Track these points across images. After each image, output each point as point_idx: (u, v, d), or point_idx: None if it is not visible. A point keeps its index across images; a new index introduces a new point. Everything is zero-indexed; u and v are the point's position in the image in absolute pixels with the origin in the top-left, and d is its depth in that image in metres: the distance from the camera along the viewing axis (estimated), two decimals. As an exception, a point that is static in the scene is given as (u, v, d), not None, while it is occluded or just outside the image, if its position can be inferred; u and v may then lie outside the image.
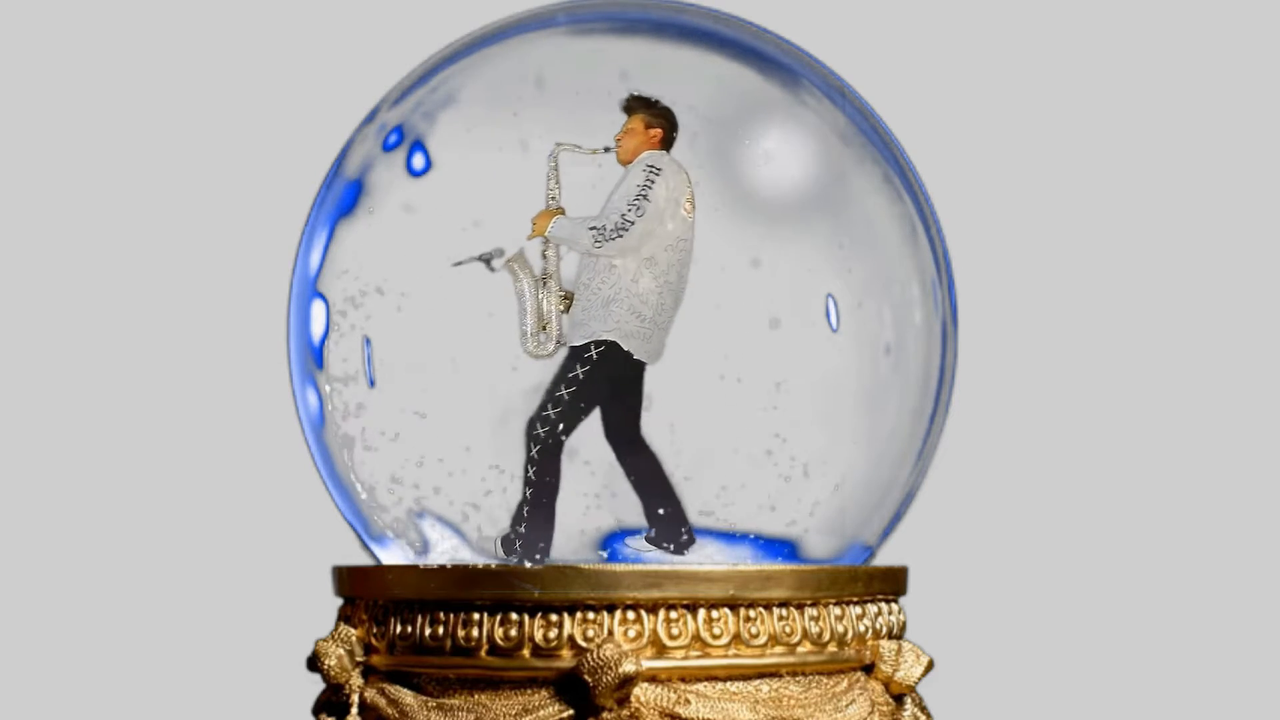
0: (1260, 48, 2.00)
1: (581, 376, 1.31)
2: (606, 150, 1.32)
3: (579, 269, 1.32)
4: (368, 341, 1.35)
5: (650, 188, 1.30)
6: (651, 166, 1.31)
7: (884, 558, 1.43)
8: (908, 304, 1.37)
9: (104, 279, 2.02)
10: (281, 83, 1.99)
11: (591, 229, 1.31)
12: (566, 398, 1.31)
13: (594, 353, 1.31)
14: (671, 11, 1.41)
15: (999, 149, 2.00)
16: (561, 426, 1.31)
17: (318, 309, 1.38)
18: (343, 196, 1.39)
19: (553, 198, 1.32)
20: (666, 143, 1.32)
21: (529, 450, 1.31)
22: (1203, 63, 2.02)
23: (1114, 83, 2.03)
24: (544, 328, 1.32)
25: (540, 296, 1.32)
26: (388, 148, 1.38)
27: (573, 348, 1.32)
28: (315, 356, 1.39)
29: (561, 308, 1.32)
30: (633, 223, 1.30)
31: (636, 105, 1.32)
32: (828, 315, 1.32)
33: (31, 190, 2.03)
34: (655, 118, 1.32)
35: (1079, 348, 2.01)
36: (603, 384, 1.31)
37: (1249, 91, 2.02)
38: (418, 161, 1.35)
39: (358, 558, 1.43)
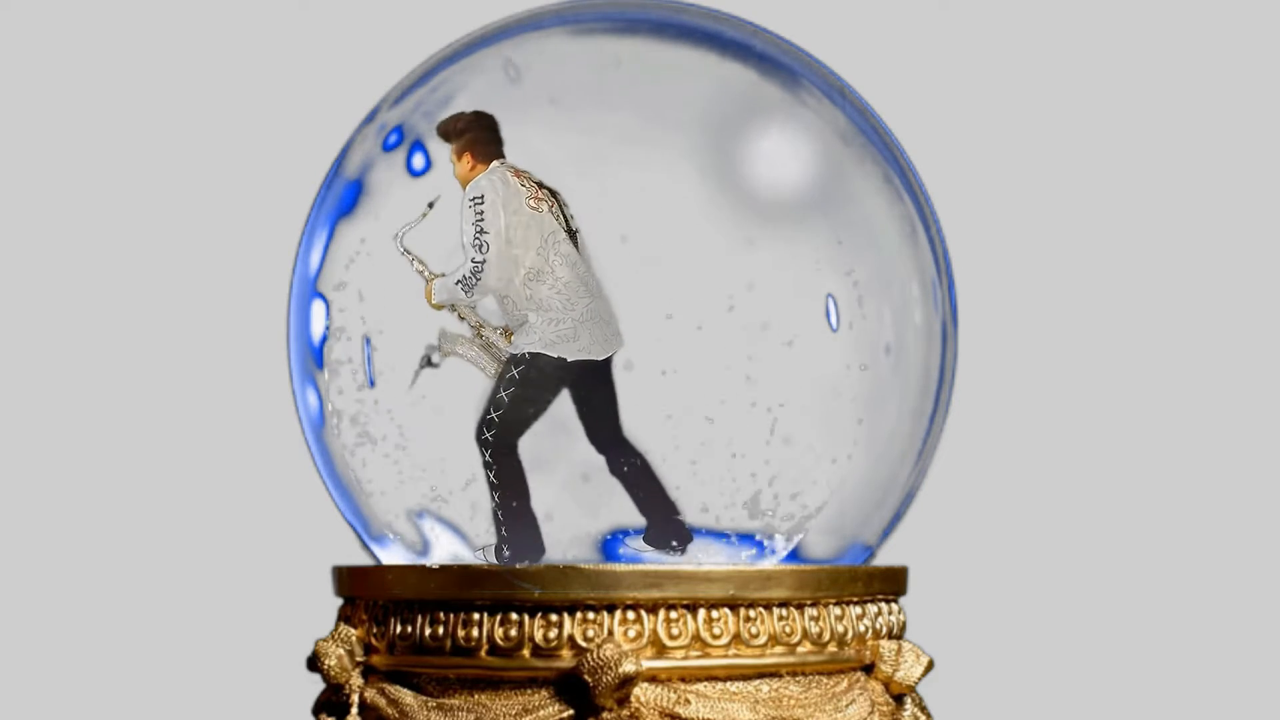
0: (1260, 48, 2.00)
1: (517, 376, 1.31)
2: (431, 206, 1.32)
3: (502, 312, 1.32)
4: (368, 341, 1.35)
5: (482, 220, 1.29)
6: (474, 199, 1.30)
7: (884, 558, 1.43)
8: (908, 304, 1.37)
9: (105, 279, 2.02)
10: (281, 83, 1.99)
11: (458, 283, 1.30)
12: (506, 399, 1.31)
13: (526, 352, 1.32)
14: (671, 11, 1.41)
15: (999, 149, 2.00)
16: (507, 428, 1.31)
17: (318, 309, 1.38)
18: (343, 196, 1.39)
19: (420, 271, 1.32)
20: (486, 152, 1.31)
21: (483, 455, 1.31)
22: (1203, 63, 2.02)
23: (1114, 83, 2.03)
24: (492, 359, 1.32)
25: (489, 348, 1.32)
26: (388, 148, 1.38)
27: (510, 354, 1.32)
28: (315, 356, 1.39)
29: (507, 342, 1.32)
30: (482, 262, 1.29)
31: (443, 135, 1.32)
32: (828, 315, 1.32)
33: (33, 191, 2.03)
34: (458, 138, 1.31)
35: (1079, 348, 2.01)
36: (540, 385, 1.31)
37: (1249, 91, 2.02)
38: (418, 161, 1.35)
39: (358, 558, 1.43)
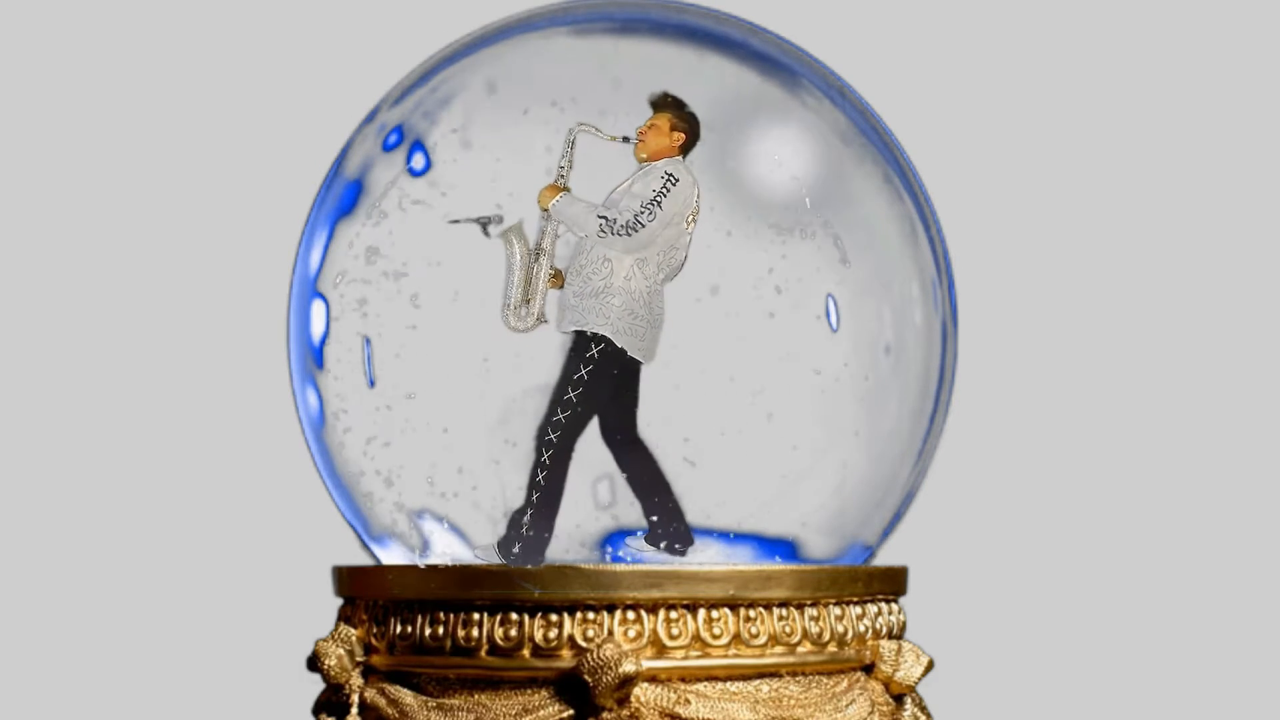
0: (1260, 48, 2.00)
1: (586, 377, 1.31)
2: (625, 140, 1.32)
3: (574, 253, 1.32)
4: (368, 341, 1.35)
5: (665, 196, 1.30)
6: (670, 175, 1.30)
7: (884, 558, 1.43)
8: (908, 304, 1.37)
9: (105, 279, 2.02)
10: (282, 83, 1.99)
11: (600, 217, 1.30)
12: (575, 400, 1.31)
13: (595, 352, 1.31)
14: (671, 11, 1.41)
15: (999, 149, 2.00)
16: (571, 430, 1.31)
17: (318, 309, 1.38)
18: (343, 196, 1.39)
19: (561, 174, 1.32)
20: (686, 148, 1.31)
21: (540, 456, 1.31)
22: (1203, 63, 2.02)
23: (1114, 83, 2.03)
24: (527, 302, 1.31)
25: (532, 269, 1.32)
26: (388, 148, 1.38)
27: (573, 350, 1.31)
28: (315, 356, 1.39)
29: (550, 285, 1.32)
30: (643, 225, 1.29)
31: (666, 104, 1.32)
32: (828, 315, 1.32)
33: (33, 191, 2.03)
34: (681, 120, 1.32)
35: (1079, 347, 2.01)
36: (606, 384, 1.31)
37: (1249, 91, 2.02)
38: (418, 161, 1.35)
39: (358, 558, 1.43)
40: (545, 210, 1.31)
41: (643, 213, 1.30)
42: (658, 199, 1.30)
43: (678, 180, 1.30)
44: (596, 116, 1.32)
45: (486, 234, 1.30)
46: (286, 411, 1.45)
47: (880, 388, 1.35)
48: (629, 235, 1.30)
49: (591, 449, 1.32)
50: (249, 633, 1.93)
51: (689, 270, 1.30)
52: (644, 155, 1.31)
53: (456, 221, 1.30)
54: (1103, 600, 1.98)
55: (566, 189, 1.31)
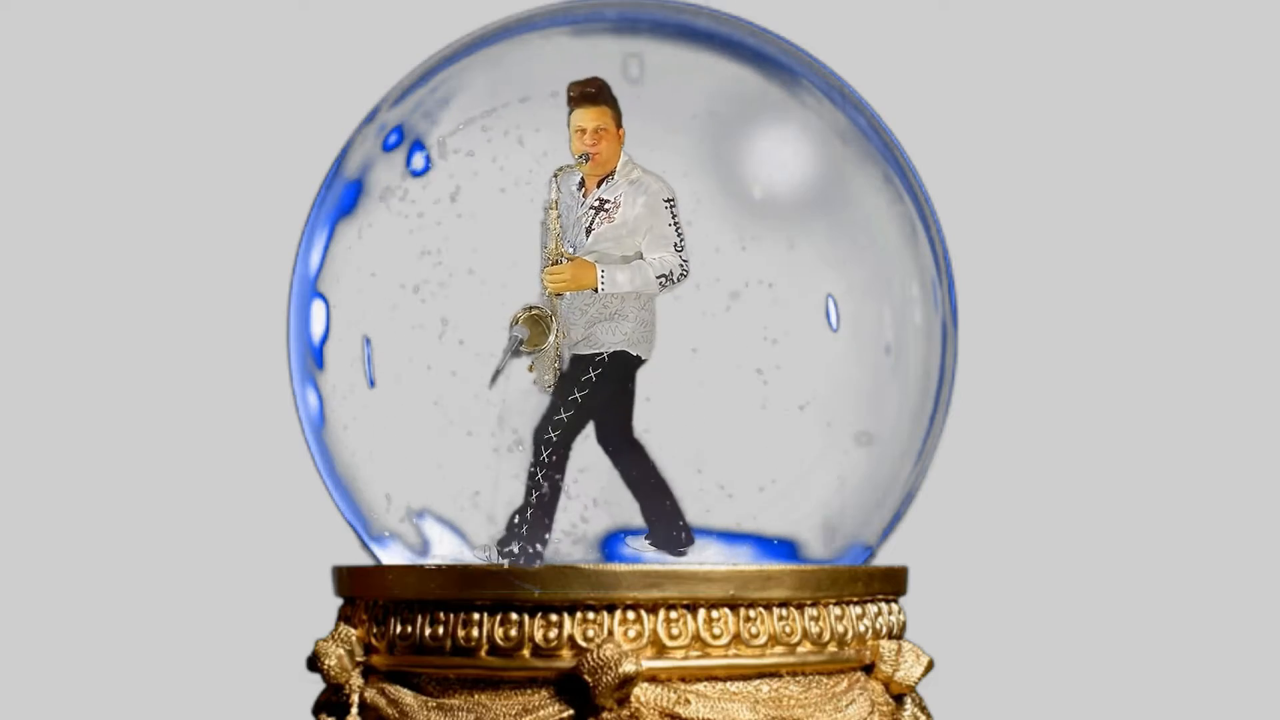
0: (1260, 48, 2.00)
1: (595, 379, 1.31)
2: (586, 159, 1.31)
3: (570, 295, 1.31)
4: (368, 341, 1.35)
5: (678, 222, 1.29)
6: (670, 202, 1.29)
7: (884, 558, 1.43)
8: (908, 304, 1.37)
9: (105, 279, 2.02)
10: (282, 83, 1.99)
11: (659, 277, 1.29)
12: (580, 400, 1.31)
13: (605, 356, 1.31)
14: (671, 11, 1.41)
15: (999, 149, 2.00)
16: (572, 430, 1.31)
17: (318, 309, 1.38)
18: (343, 196, 1.39)
19: (562, 238, 1.30)
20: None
21: (540, 455, 1.31)
22: (1203, 63, 2.02)
23: (1114, 83, 2.03)
24: (556, 369, 1.31)
25: (556, 345, 1.31)
26: (388, 148, 1.38)
27: (578, 354, 1.31)
28: (315, 356, 1.39)
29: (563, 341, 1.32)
30: (688, 261, 1.29)
31: (603, 97, 1.31)
32: (828, 315, 1.32)
33: (32, 191, 2.03)
34: (618, 110, 1.31)
35: (1079, 347, 2.01)
36: (614, 385, 1.31)
37: (1249, 91, 2.02)
38: (418, 161, 1.35)
39: (358, 558, 1.43)
40: (592, 289, 1.29)
41: (682, 249, 1.29)
42: (680, 230, 1.29)
43: (675, 199, 1.30)
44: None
45: (522, 354, 1.29)
46: (286, 411, 1.45)
47: (880, 388, 1.35)
48: (683, 279, 1.29)
49: (592, 448, 1.32)
50: (249, 633, 1.93)
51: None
52: (601, 170, 1.30)
53: (498, 375, 1.29)
54: (1103, 600, 1.98)
55: (586, 261, 1.30)
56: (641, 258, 1.29)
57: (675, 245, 1.29)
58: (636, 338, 1.30)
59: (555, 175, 1.30)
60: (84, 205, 2.03)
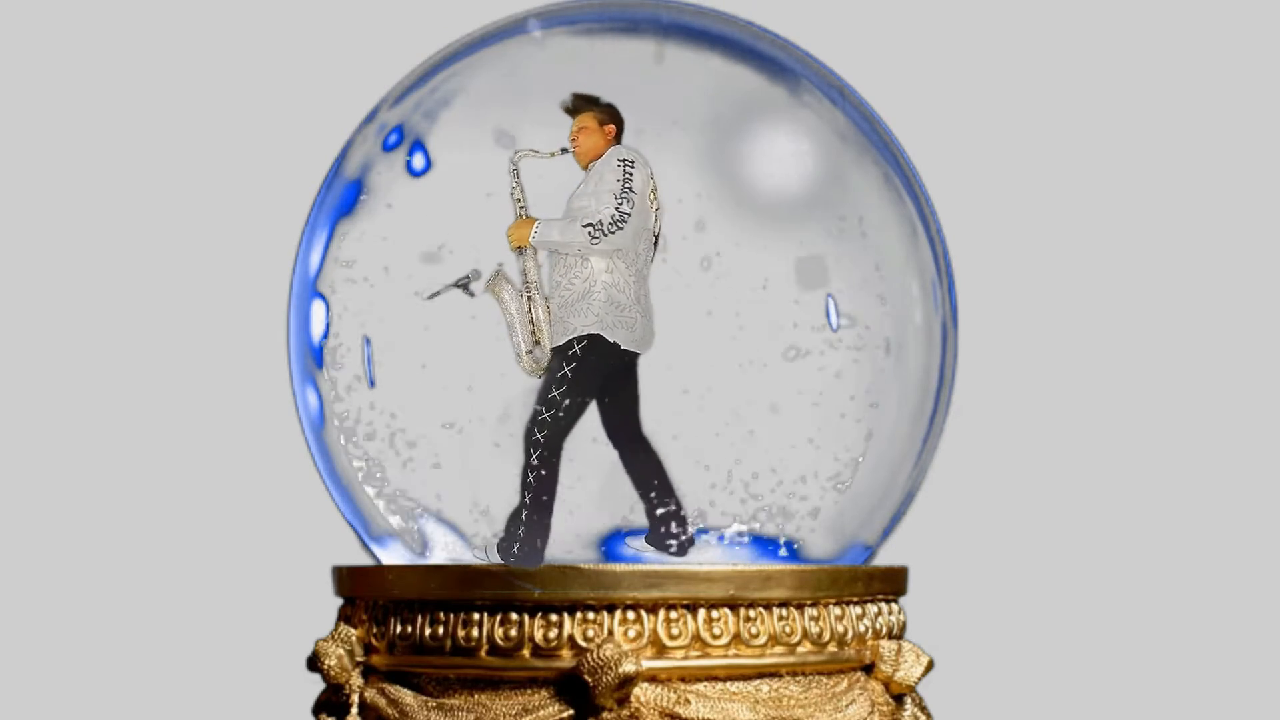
0: (1260, 48, 2.00)
1: (570, 374, 1.31)
2: (564, 151, 1.32)
3: (550, 270, 1.32)
4: (368, 341, 1.35)
5: (631, 180, 1.30)
6: (625, 160, 1.31)
7: (884, 558, 1.43)
8: (908, 304, 1.37)
9: (105, 279, 2.02)
10: (282, 83, 1.99)
11: (586, 226, 1.30)
12: (559, 398, 1.31)
13: (578, 348, 1.31)
14: (671, 11, 1.41)
15: (999, 149, 2.00)
16: (559, 429, 1.31)
17: (318, 309, 1.38)
18: (343, 196, 1.39)
19: (521, 206, 1.32)
20: (619, 137, 1.32)
21: (529, 456, 1.31)
22: (1203, 63, 2.02)
23: (1114, 83, 2.03)
24: (538, 343, 1.31)
25: (529, 310, 1.31)
26: (388, 148, 1.38)
27: (556, 347, 1.31)
28: (315, 356, 1.39)
29: (548, 315, 1.31)
30: (628, 214, 1.29)
31: (583, 104, 1.32)
32: (828, 315, 1.32)
33: (32, 191, 2.03)
34: (603, 114, 1.32)
35: (1079, 348, 2.01)
36: (594, 378, 1.31)
37: (1249, 91, 2.02)
38: (418, 161, 1.35)
39: (358, 558, 1.43)
40: (524, 248, 1.31)
41: (621, 202, 1.29)
42: (627, 185, 1.30)
43: (634, 162, 1.30)
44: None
45: (470, 293, 1.30)
46: (286, 411, 1.45)
47: (880, 388, 1.35)
48: (620, 230, 1.29)
49: (592, 448, 1.32)
50: (249, 633, 1.93)
51: (689, 270, 1.30)
52: (586, 158, 1.32)
53: (436, 294, 1.30)
54: (1103, 600, 1.98)
55: (535, 219, 1.31)
56: None
57: (615, 195, 1.29)
58: (610, 320, 1.30)
59: (515, 153, 1.32)
60: (84, 205, 2.03)
